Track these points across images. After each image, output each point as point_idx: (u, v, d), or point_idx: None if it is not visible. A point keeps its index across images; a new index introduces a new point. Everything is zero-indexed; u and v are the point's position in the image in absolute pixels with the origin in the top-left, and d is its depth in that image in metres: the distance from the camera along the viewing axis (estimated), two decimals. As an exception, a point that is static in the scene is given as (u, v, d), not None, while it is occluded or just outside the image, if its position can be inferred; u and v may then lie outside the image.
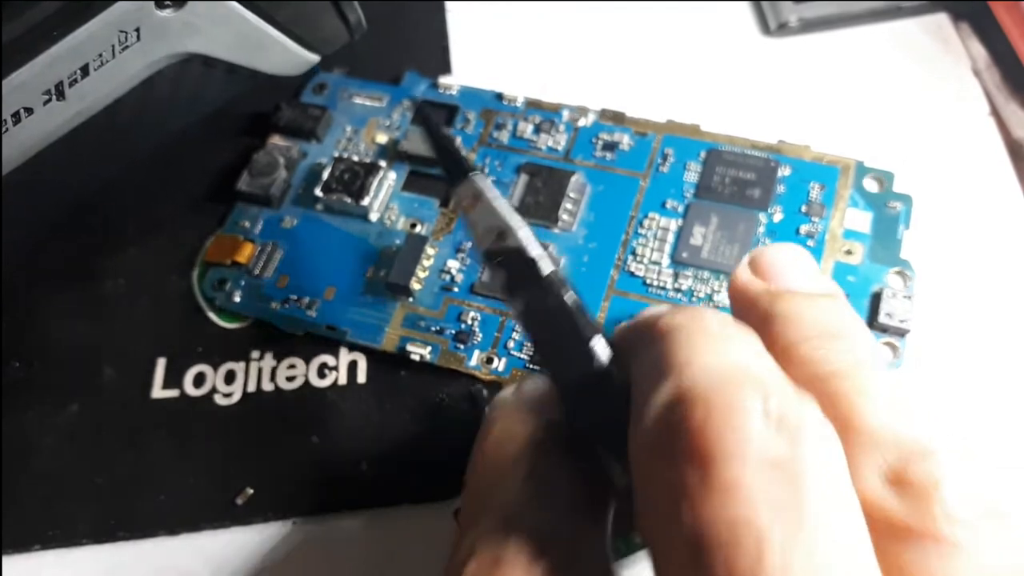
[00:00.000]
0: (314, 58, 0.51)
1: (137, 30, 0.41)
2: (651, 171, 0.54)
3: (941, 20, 0.61)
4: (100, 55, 0.41)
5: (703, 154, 0.54)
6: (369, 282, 0.52)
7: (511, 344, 0.49)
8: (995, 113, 0.56)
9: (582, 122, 0.56)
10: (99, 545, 0.47)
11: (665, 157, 0.54)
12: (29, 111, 0.41)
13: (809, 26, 0.61)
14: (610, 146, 0.55)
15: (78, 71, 0.41)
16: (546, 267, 0.34)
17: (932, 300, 0.49)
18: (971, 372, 0.47)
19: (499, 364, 0.49)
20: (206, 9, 0.43)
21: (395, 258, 0.51)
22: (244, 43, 0.47)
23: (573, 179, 0.53)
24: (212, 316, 0.53)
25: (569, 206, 0.53)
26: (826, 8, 0.60)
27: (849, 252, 0.49)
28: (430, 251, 0.52)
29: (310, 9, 0.48)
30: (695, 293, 0.49)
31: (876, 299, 0.48)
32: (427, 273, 0.52)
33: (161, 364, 0.51)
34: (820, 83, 0.58)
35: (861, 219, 0.51)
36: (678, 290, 0.50)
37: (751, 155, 0.53)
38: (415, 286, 0.51)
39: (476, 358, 0.49)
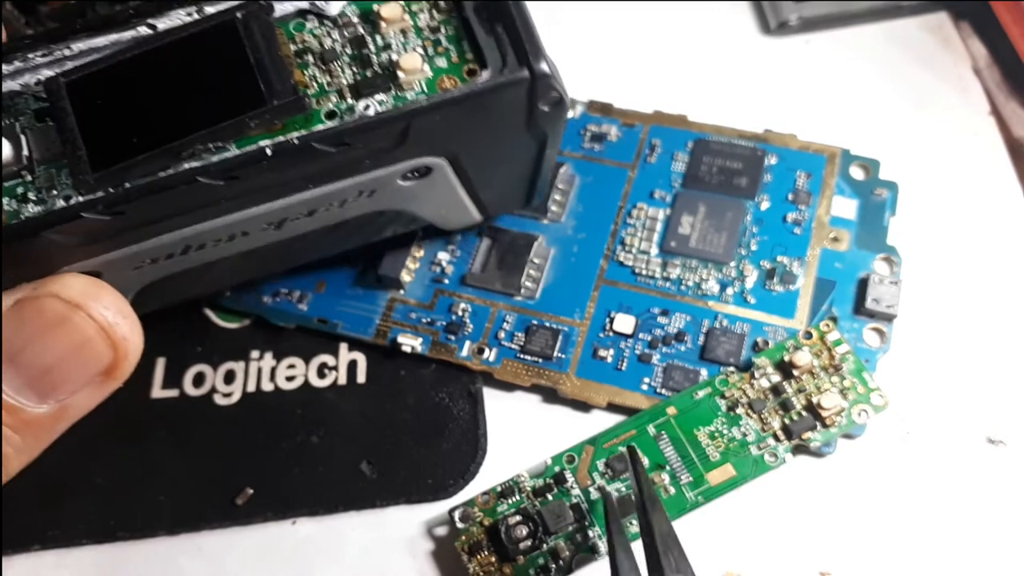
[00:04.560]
0: (480, 218, 0.51)
1: (373, 192, 0.43)
2: (639, 161, 0.54)
3: (942, 19, 0.61)
4: (331, 205, 0.42)
5: (690, 144, 0.54)
6: (360, 275, 0.52)
7: (502, 335, 0.50)
8: (995, 112, 0.56)
9: (570, 114, 0.56)
10: (99, 545, 0.47)
11: (653, 147, 0.54)
12: (245, 234, 0.42)
13: (809, 25, 0.61)
14: (598, 137, 0.55)
15: (305, 212, 0.42)
16: None
17: (920, 286, 0.49)
18: (958, 356, 0.48)
19: (490, 354, 0.49)
20: (435, 184, 0.44)
21: (385, 250, 0.52)
22: (443, 208, 0.48)
23: (562, 170, 0.54)
24: (211, 315, 0.53)
25: (558, 197, 0.53)
26: (826, 7, 0.60)
27: (836, 239, 0.50)
28: (421, 243, 0.52)
29: (509, 186, 0.49)
30: (684, 281, 0.50)
31: (863, 285, 0.48)
32: (417, 265, 0.52)
33: (160, 364, 0.52)
34: (820, 82, 0.59)
35: (847, 206, 0.51)
36: (667, 279, 0.50)
37: (738, 144, 0.54)
38: (405, 278, 0.51)
39: (467, 349, 0.50)
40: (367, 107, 0.37)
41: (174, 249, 0.41)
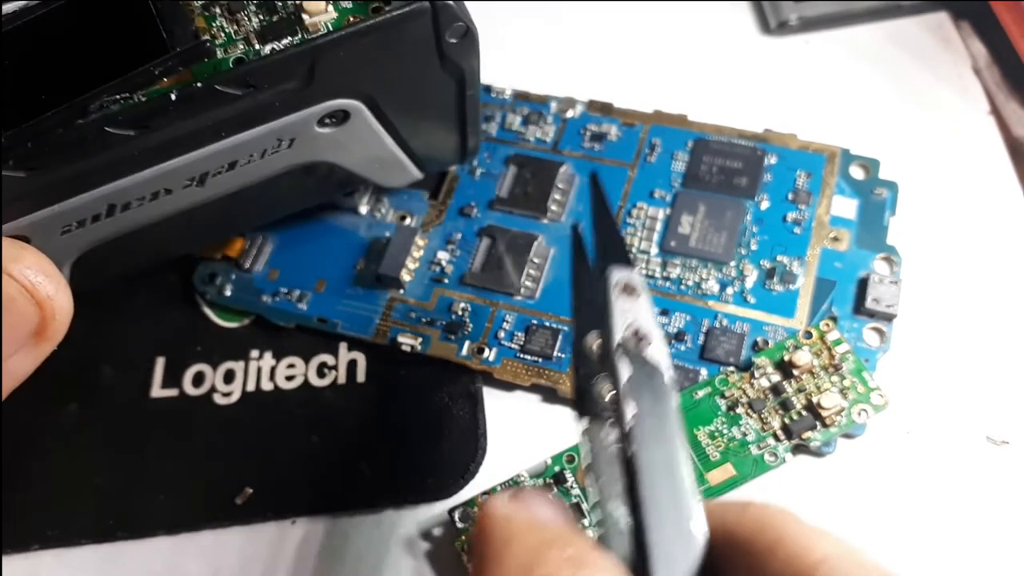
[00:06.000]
0: (419, 175, 0.52)
1: (292, 140, 0.43)
2: (639, 161, 0.54)
3: (942, 19, 0.61)
4: (251, 156, 0.42)
5: (690, 144, 0.54)
6: (359, 274, 0.52)
7: (501, 334, 0.50)
8: (995, 111, 0.56)
9: (570, 113, 0.57)
10: (99, 545, 0.47)
11: (653, 147, 0.55)
12: (168, 191, 0.42)
13: (809, 25, 0.61)
14: (598, 137, 0.55)
15: (226, 166, 0.42)
16: (672, 385, 0.35)
17: (920, 285, 0.49)
18: (958, 356, 0.48)
19: (490, 354, 0.49)
20: (356, 131, 0.44)
21: (385, 250, 0.52)
22: (374, 161, 0.48)
23: (561, 170, 0.54)
24: (211, 315, 0.53)
25: (558, 197, 0.53)
26: (826, 7, 0.60)
27: (836, 239, 0.50)
28: (420, 242, 0.52)
29: (438, 134, 0.49)
30: (683, 281, 0.50)
31: (863, 285, 0.48)
32: (417, 264, 0.52)
33: (160, 363, 0.51)
34: (820, 82, 0.59)
35: (847, 206, 0.51)
36: (667, 278, 0.50)
37: (738, 144, 0.54)
38: (405, 277, 0.51)
39: (467, 348, 0.50)
40: (272, 50, 0.38)
41: (98, 209, 0.41)
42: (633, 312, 0.36)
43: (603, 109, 0.57)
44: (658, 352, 0.35)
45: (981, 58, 0.58)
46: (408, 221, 0.54)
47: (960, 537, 0.43)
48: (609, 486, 0.33)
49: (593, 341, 0.37)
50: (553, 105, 0.57)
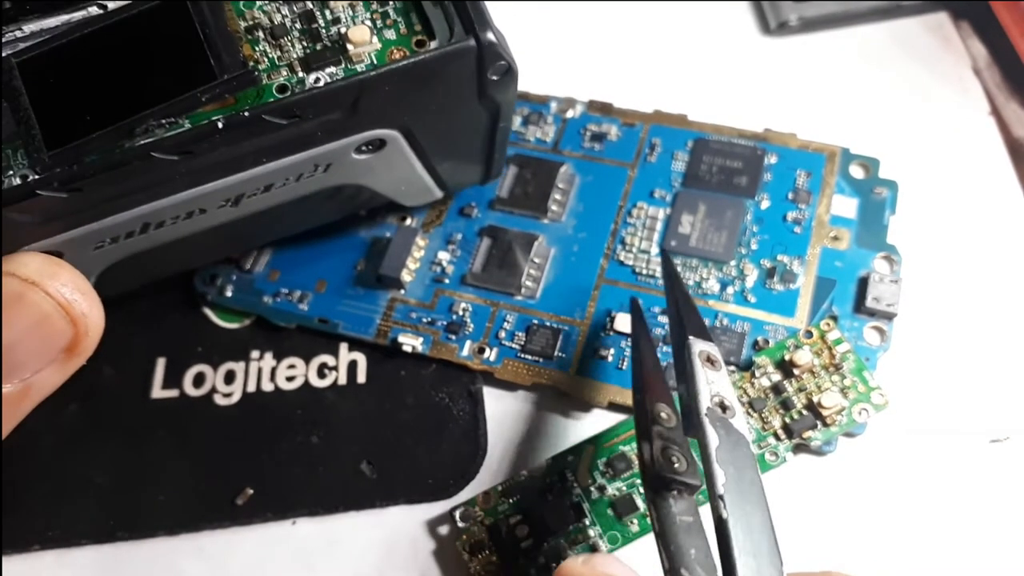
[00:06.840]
0: (440, 195, 0.52)
1: (328, 165, 0.43)
2: (639, 161, 0.54)
3: (942, 19, 0.61)
4: (287, 179, 0.43)
5: (690, 143, 0.54)
6: (360, 275, 0.52)
7: (502, 334, 0.50)
8: (995, 112, 0.56)
9: (570, 113, 0.57)
10: (99, 545, 0.47)
11: (653, 147, 0.55)
12: (203, 211, 0.42)
13: (809, 25, 0.61)
14: (598, 137, 0.55)
15: (261, 188, 0.42)
16: (755, 455, 0.37)
17: (920, 284, 0.49)
18: (959, 354, 0.48)
19: (491, 354, 0.49)
20: (390, 157, 0.44)
21: (386, 250, 0.52)
22: (401, 183, 0.48)
23: (562, 170, 0.54)
24: (212, 316, 0.53)
25: (558, 197, 0.53)
26: (826, 7, 0.60)
27: (836, 238, 0.50)
28: (420, 243, 0.52)
29: (466, 160, 0.50)
30: (684, 281, 0.50)
31: (863, 284, 0.48)
32: (418, 265, 0.52)
33: (161, 364, 0.51)
34: (820, 82, 0.59)
35: (847, 205, 0.51)
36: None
37: (738, 144, 0.54)
38: (406, 278, 0.51)
39: (468, 348, 0.50)
40: (317, 79, 0.38)
41: (133, 227, 0.41)
42: (717, 383, 0.38)
43: (603, 109, 0.57)
44: (741, 424, 0.37)
45: (981, 58, 0.58)
46: (408, 221, 0.54)
47: (961, 536, 0.43)
48: (682, 554, 0.35)
49: (663, 411, 0.39)
50: (553, 105, 0.57)
